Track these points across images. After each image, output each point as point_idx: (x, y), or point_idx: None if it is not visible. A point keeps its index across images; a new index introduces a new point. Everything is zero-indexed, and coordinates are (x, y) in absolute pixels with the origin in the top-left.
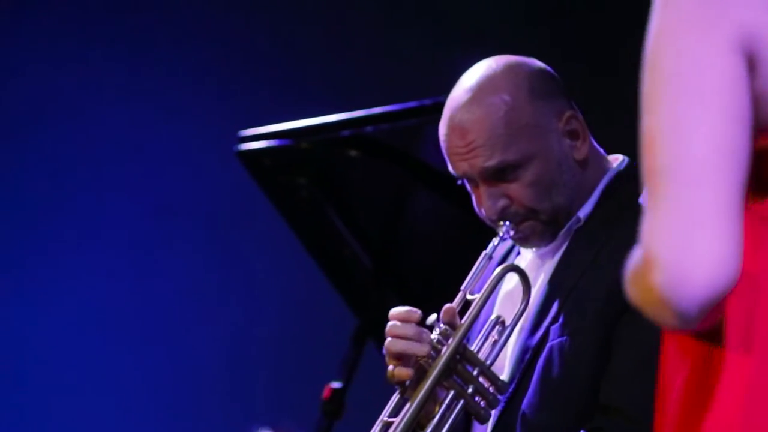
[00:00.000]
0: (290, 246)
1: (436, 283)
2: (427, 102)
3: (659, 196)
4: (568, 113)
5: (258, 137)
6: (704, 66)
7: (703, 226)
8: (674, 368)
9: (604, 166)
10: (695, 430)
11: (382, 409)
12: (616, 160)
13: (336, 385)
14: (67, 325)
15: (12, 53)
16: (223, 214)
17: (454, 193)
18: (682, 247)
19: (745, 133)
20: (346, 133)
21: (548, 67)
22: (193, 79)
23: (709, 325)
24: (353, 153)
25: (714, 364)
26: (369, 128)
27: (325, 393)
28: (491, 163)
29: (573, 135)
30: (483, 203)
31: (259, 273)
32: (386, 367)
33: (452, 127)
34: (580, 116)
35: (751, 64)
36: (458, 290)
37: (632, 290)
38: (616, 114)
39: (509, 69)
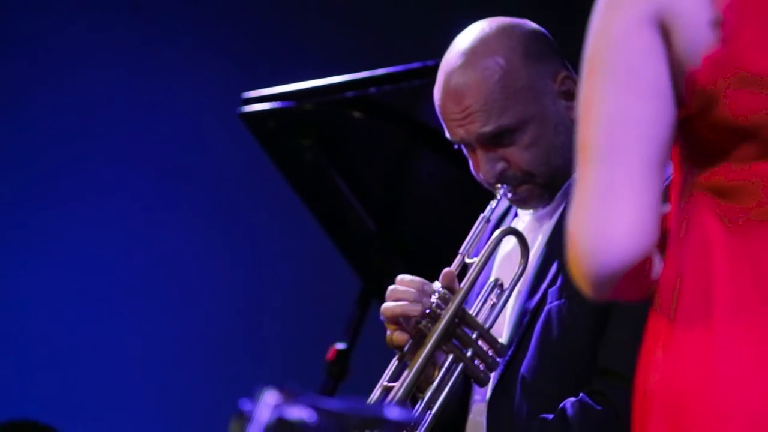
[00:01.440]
0: (294, 207)
1: (439, 244)
2: (430, 63)
3: (579, 173)
4: (562, 74)
5: (262, 99)
6: (619, 42)
7: (605, 203)
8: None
9: None
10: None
11: (386, 370)
12: None
13: (340, 346)
14: (75, 289)
15: (12, 13)
16: (227, 176)
17: (457, 154)
18: (586, 224)
19: (662, 106)
20: (349, 94)
21: (542, 28)
22: (196, 41)
23: (638, 294)
24: (357, 114)
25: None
26: (372, 89)
27: (330, 354)
28: (488, 128)
29: (568, 96)
30: (481, 167)
31: (263, 235)
32: None
33: (447, 92)
34: (575, 76)
35: (666, 35)
36: (457, 253)
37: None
38: None
39: (502, 31)
